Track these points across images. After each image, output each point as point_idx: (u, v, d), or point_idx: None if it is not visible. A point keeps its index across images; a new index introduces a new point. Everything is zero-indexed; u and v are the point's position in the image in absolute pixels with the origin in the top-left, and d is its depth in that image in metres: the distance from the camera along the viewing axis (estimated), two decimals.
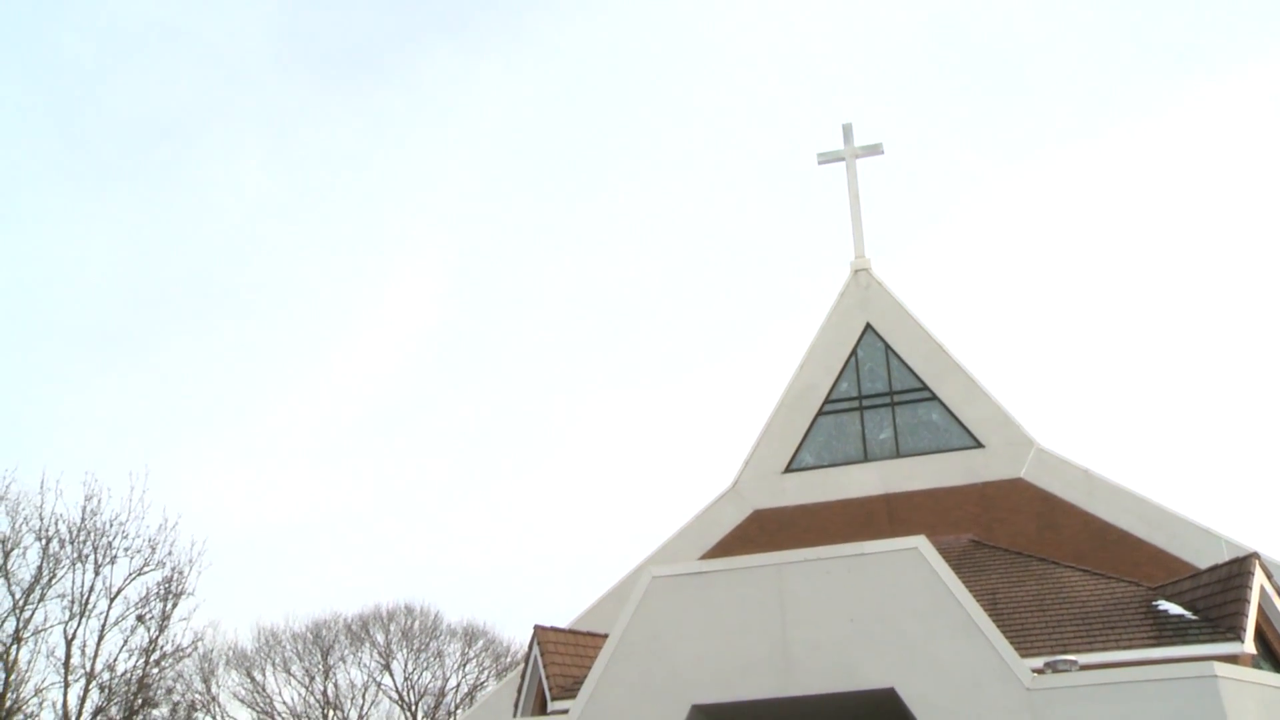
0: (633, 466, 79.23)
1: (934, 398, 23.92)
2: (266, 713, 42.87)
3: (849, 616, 13.85)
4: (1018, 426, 23.22)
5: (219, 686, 42.22)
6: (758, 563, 14.77)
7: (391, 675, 44.52)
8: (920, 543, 14.12)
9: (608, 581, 24.83)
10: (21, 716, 31.10)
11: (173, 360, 78.90)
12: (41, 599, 31.87)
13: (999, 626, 14.22)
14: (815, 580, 14.20)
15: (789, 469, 24.23)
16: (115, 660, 33.10)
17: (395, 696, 44.48)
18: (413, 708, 44.22)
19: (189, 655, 35.32)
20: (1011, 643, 13.97)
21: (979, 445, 23.25)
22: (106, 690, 32.10)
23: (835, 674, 13.66)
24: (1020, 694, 12.99)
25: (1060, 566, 19.34)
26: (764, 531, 23.57)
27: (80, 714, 31.74)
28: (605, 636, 16.43)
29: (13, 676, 30.90)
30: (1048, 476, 22.73)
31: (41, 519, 33.56)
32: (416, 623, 45.31)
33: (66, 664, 31.89)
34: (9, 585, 31.64)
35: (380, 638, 44.69)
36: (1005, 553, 20.51)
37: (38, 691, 31.81)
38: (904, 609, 13.71)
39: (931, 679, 13.30)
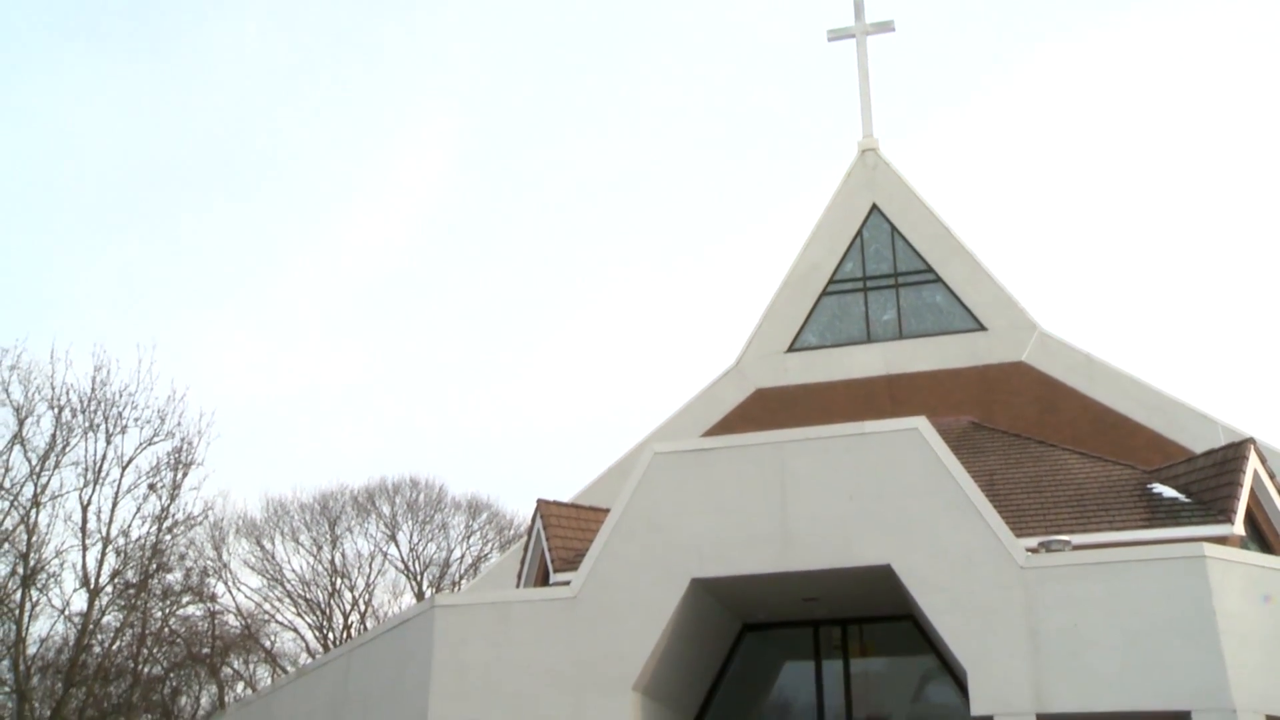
0: (637, 344, 79.56)
1: (938, 280, 23.93)
2: (276, 580, 43.78)
3: (848, 494, 14.07)
4: (1021, 310, 23.29)
5: (230, 554, 43.05)
6: (759, 440, 14.94)
7: (397, 546, 45.34)
8: (920, 423, 14.27)
9: (610, 458, 25.18)
10: (44, 576, 32.12)
11: (179, 231, 78.67)
12: (57, 466, 32.53)
13: (996, 507, 14.46)
14: (815, 458, 14.39)
15: (792, 348, 24.37)
16: (129, 526, 33.86)
17: (401, 566, 45.38)
18: (418, 578, 45.14)
19: (200, 523, 35.96)
20: (1007, 523, 14.22)
21: (981, 328, 23.34)
22: (122, 555, 32.92)
23: (833, 550, 13.93)
24: (1014, 572, 13.28)
25: (1058, 449, 19.57)
26: (766, 410, 23.81)
27: (99, 576, 32.63)
28: (607, 511, 16.74)
29: (34, 539, 31.77)
30: (1049, 360, 22.88)
31: (53, 388, 34.03)
32: (421, 495, 45.96)
33: (83, 529, 32.69)
34: (25, 452, 32.33)
35: (386, 509, 45.37)
36: (1004, 435, 20.75)
37: (58, 554, 32.79)
38: (902, 488, 13.93)
39: (927, 556, 13.59)
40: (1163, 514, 16.53)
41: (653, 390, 75.03)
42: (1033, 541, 14.81)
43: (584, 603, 14.70)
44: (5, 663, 31.96)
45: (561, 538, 19.42)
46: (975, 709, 12.96)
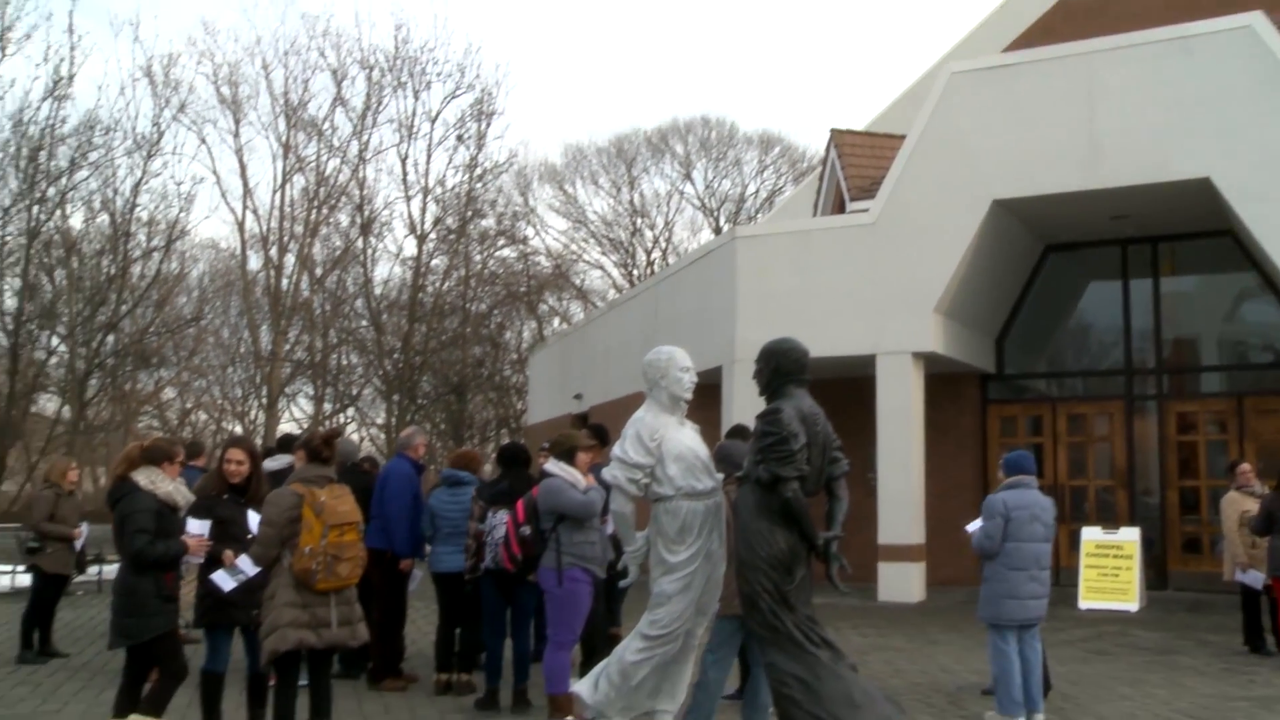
0: None
1: None
2: (580, 222, 45.75)
3: (1164, 104, 13.25)
4: None
5: (535, 199, 45.13)
6: (1065, 52, 14.16)
7: (692, 183, 46.06)
8: (1255, 19, 13.05)
9: (903, 83, 24.34)
10: (378, 225, 35.43)
11: None
12: (374, 124, 35.02)
13: None
14: (1128, 68, 13.54)
15: None
16: (444, 176, 36.23)
17: (697, 204, 46.31)
18: (715, 213, 46.04)
19: (506, 171, 37.85)
20: None
21: None
22: (441, 203, 35.51)
23: (1145, 165, 13.32)
24: None
25: None
26: (1070, 22, 22.06)
27: (423, 223, 35.47)
28: (902, 137, 16.45)
29: (365, 191, 34.82)
30: None
31: (361, 50, 35.97)
32: (713, 133, 46.01)
33: (404, 180, 35.38)
34: (346, 112, 34.81)
35: (679, 149, 45.91)
36: None
37: (386, 205, 35.98)
38: (1227, 93, 12.96)
39: (1253, 166, 12.78)
40: None
41: (945, 7, 70.83)
42: None
43: (883, 228, 14.83)
44: (360, 302, 35.96)
45: (857, 166, 19.32)
46: None
